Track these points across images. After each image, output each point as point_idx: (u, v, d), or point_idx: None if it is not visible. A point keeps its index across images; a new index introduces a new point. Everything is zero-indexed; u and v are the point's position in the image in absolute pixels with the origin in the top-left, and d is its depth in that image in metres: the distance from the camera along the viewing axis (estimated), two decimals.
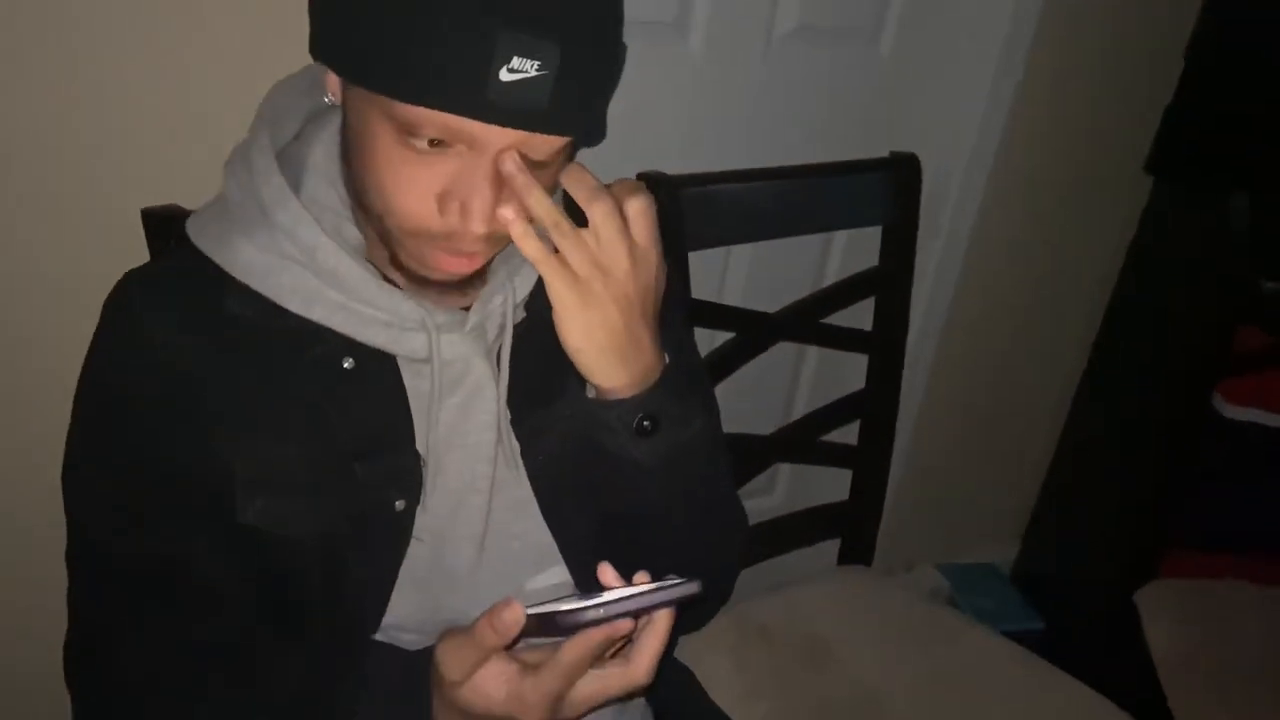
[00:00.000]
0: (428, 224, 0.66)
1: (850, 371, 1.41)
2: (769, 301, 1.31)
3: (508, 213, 0.66)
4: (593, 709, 0.67)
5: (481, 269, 0.73)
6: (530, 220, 0.67)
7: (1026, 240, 1.76)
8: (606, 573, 0.66)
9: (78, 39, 0.96)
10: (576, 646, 0.63)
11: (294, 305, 0.70)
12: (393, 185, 0.66)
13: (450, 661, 0.64)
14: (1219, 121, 1.55)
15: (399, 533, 0.76)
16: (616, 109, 1.28)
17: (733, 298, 1.52)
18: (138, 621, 0.72)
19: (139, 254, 0.85)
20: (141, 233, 0.87)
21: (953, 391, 1.85)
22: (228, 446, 0.71)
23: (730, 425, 1.37)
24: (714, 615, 0.99)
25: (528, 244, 0.67)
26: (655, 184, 1.13)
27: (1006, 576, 2.09)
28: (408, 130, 0.63)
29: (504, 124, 0.62)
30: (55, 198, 1.01)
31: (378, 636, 0.79)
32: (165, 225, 0.85)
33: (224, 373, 0.71)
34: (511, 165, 0.64)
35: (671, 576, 0.64)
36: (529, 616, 0.62)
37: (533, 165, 0.66)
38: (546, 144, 0.65)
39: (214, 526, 0.72)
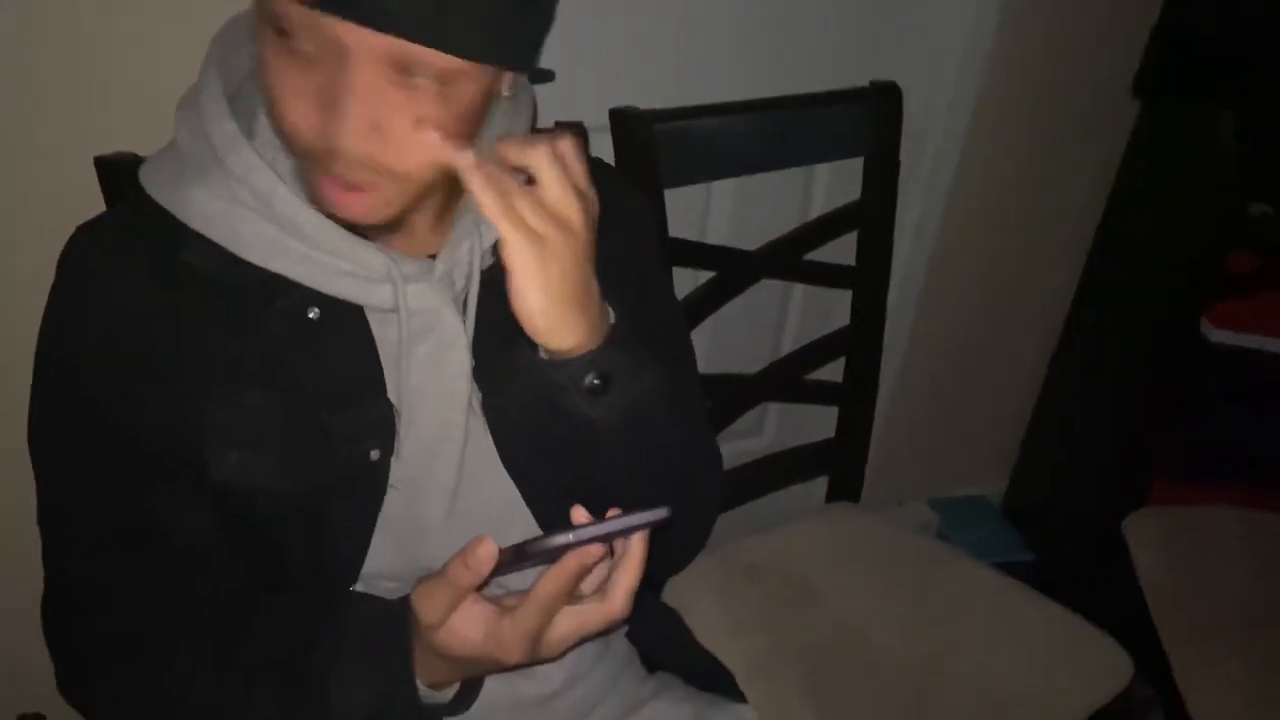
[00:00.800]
0: (307, 138, 0.63)
1: (838, 309, 1.39)
2: (753, 239, 1.29)
3: (467, 157, 0.63)
4: (572, 645, 0.67)
5: (403, 217, 0.69)
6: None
7: (1014, 168, 1.73)
8: (578, 512, 0.65)
9: None
10: (550, 580, 0.62)
11: (254, 257, 0.68)
12: (278, 95, 0.63)
13: (426, 605, 0.64)
14: (1205, 41, 1.52)
15: (374, 482, 0.75)
16: (591, 45, 1.27)
17: (717, 236, 1.50)
18: (113, 579, 0.72)
19: (94, 204, 0.83)
20: (96, 182, 0.84)
21: (941, 325, 1.84)
22: (195, 402, 0.70)
23: (717, 365, 1.37)
24: (690, 559, 0.98)
25: (487, 198, 0.63)
26: (629, 119, 1.11)
27: (997, 509, 2.10)
28: (278, 29, 0.60)
29: (349, 17, 0.58)
30: (3, 146, 0.98)
31: (359, 587, 0.78)
32: (120, 174, 0.82)
33: (186, 327, 0.69)
34: (450, 151, 0.62)
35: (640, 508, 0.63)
36: (501, 550, 0.61)
37: (436, 92, 0.62)
38: (428, 58, 0.61)
39: (186, 483, 0.71)
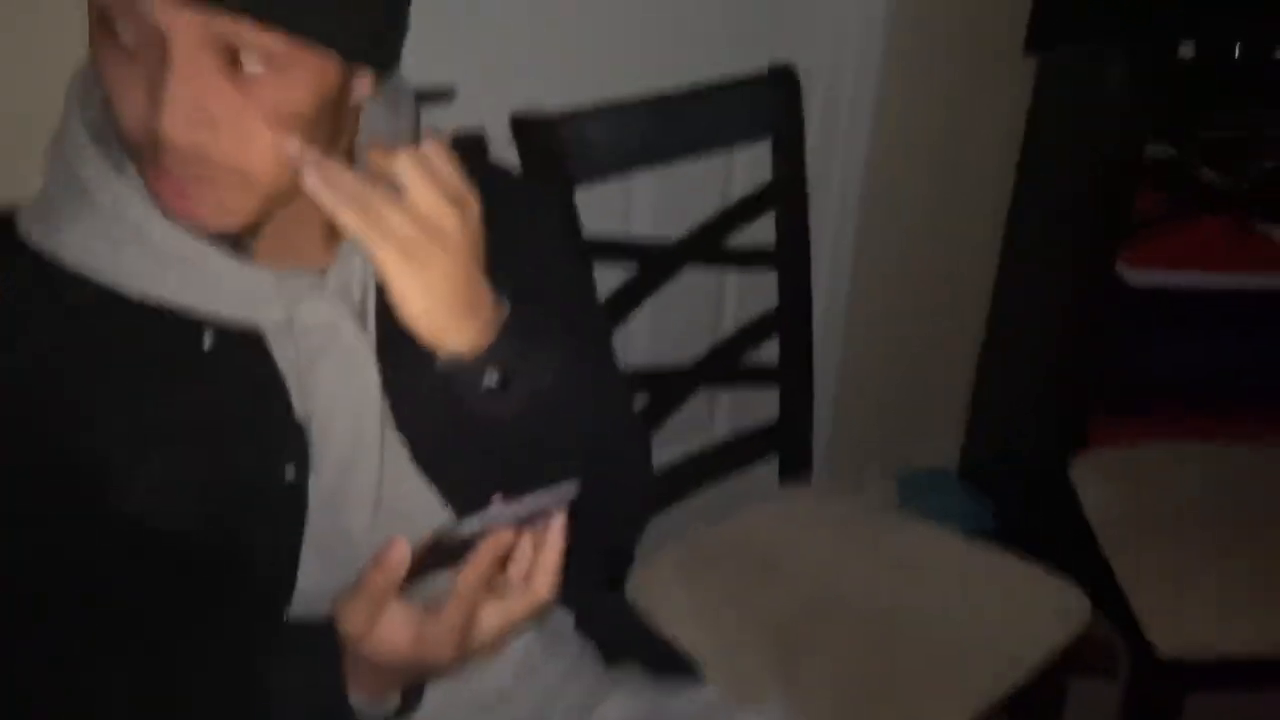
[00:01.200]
0: (138, 131, 0.62)
1: (773, 292, 1.40)
2: (680, 230, 1.30)
3: (293, 148, 0.61)
4: (504, 635, 0.67)
5: (260, 225, 0.68)
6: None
7: (926, 135, 1.77)
8: (498, 501, 0.64)
9: None
10: (468, 572, 0.62)
11: (135, 289, 0.67)
12: (109, 88, 0.62)
13: (348, 616, 0.63)
14: None
15: (295, 502, 0.74)
16: (490, 48, 1.28)
17: (642, 228, 1.51)
18: (34, 628, 0.70)
19: None
20: None
21: (876, 297, 1.87)
22: (96, 443, 0.68)
23: (659, 357, 1.38)
24: (630, 536, 0.99)
25: (347, 216, 0.61)
26: (529, 123, 1.12)
27: (956, 480, 2.12)
28: (101, 20, 0.60)
29: None
30: None
31: (298, 610, 0.78)
32: (2, 228, 0.81)
33: (79, 366, 0.68)
34: (300, 152, 0.61)
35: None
36: (414, 549, 0.61)
37: (267, 82, 0.61)
38: (247, 35, 0.59)
39: (97, 521, 0.69)
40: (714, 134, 1.29)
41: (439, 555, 0.61)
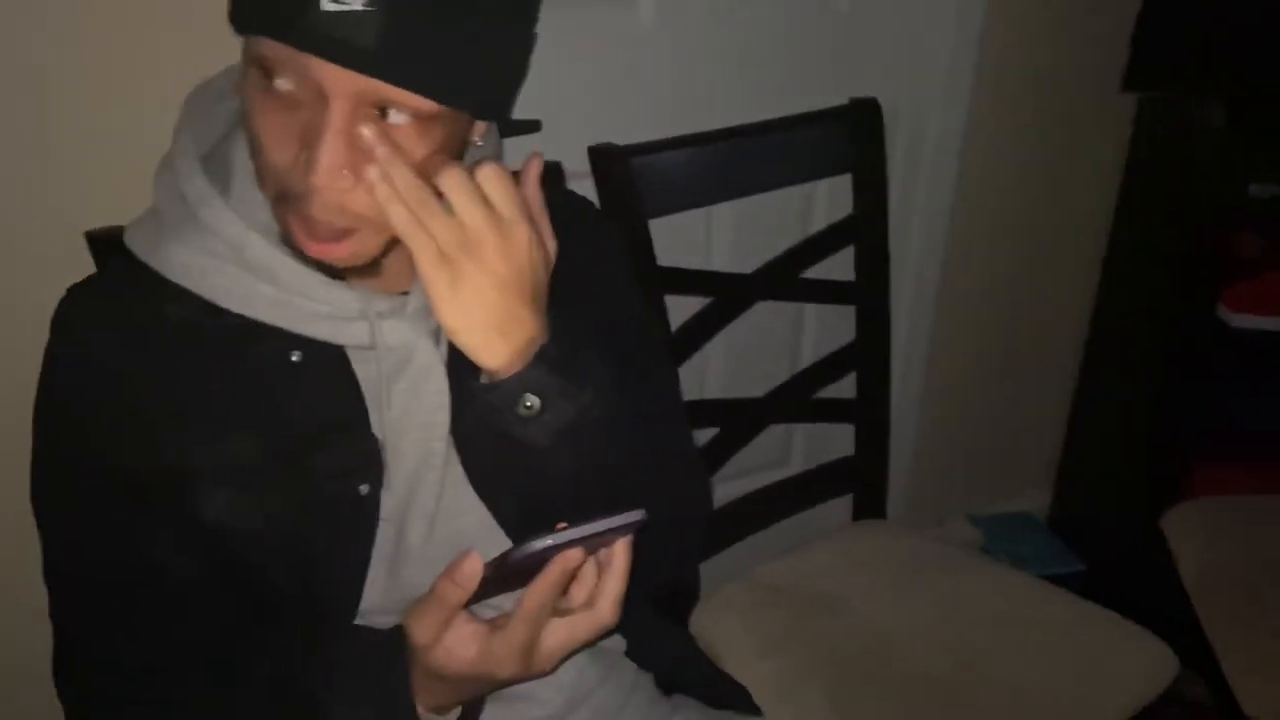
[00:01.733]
0: (283, 179, 0.65)
1: (850, 326, 1.39)
2: (758, 262, 1.30)
3: (373, 172, 0.64)
4: (565, 655, 0.68)
5: (379, 260, 0.71)
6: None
7: (1016, 176, 1.73)
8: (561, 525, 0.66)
9: (20, 61, 0.98)
10: (535, 590, 0.63)
11: (232, 304, 0.71)
12: (260, 135, 0.66)
13: (418, 626, 0.65)
14: (1188, 28, 1.51)
15: (366, 517, 0.77)
16: (572, 84, 1.30)
17: (722, 261, 1.51)
18: (115, 629, 0.74)
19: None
20: (88, 257, 0.88)
21: (961, 333, 1.83)
22: (182, 448, 0.72)
23: (733, 390, 1.38)
24: (683, 568, 0.99)
25: (393, 210, 0.65)
26: (607, 155, 1.14)
27: (1042, 522, 2.05)
28: (261, 69, 0.63)
29: (323, 54, 0.61)
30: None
31: (358, 622, 0.80)
32: (109, 247, 0.86)
33: (173, 377, 0.72)
34: (371, 134, 0.63)
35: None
36: (486, 564, 0.62)
37: (407, 132, 0.65)
38: (401, 98, 0.63)
39: (180, 528, 0.73)
40: (793, 168, 1.29)
41: (506, 574, 0.63)
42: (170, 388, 0.72)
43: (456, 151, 0.71)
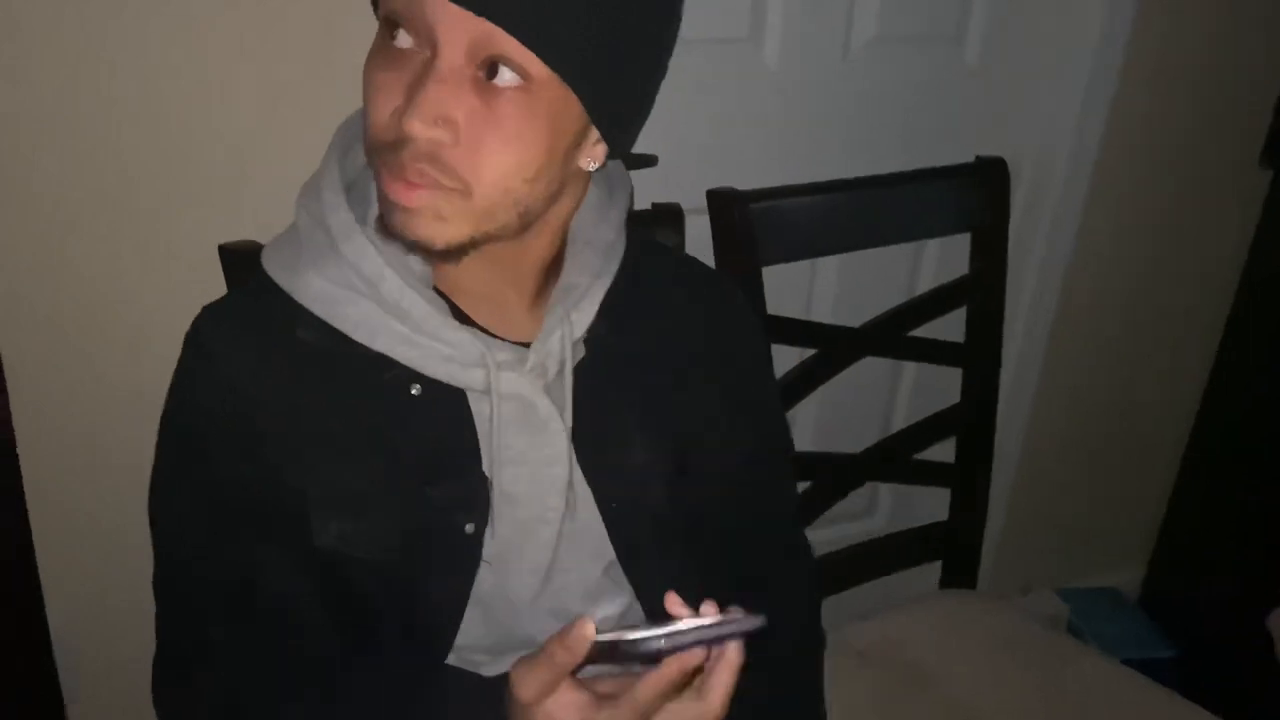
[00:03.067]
0: (384, 130, 0.65)
1: (950, 386, 1.36)
2: (859, 315, 1.28)
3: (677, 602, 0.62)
4: None
5: (463, 244, 0.69)
6: None
7: (1135, 244, 1.67)
8: (673, 602, 0.64)
9: (157, 81, 1.01)
10: (652, 682, 0.61)
11: (359, 336, 0.71)
12: (370, 92, 0.66)
13: (523, 682, 0.64)
14: None
15: (468, 555, 0.77)
16: (691, 124, 1.30)
17: (821, 311, 1.49)
18: (219, 642, 0.75)
19: (219, 290, 0.88)
20: (219, 270, 0.90)
21: (1066, 404, 1.77)
22: (302, 471, 0.73)
23: (825, 442, 1.35)
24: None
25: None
26: (726, 199, 1.12)
27: (1133, 601, 1.98)
28: (387, 25, 0.64)
29: None
30: (136, 237, 1.07)
31: (452, 659, 0.80)
32: (242, 261, 0.88)
33: (297, 399, 0.73)
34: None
35: (736, 609, 0.63)
36: (596, 641, 0.61)
37: (513, 99, 0.64)
38: (511, 50, 0.62)
39: (291, 549, 0.74)
40: (914, 223, 1.27)
41: (617, 654, 0.61)
42: (294, 412, 0.73)
43: (562, 153, 0.69)
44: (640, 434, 0.81)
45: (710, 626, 0.60)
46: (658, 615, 0.80)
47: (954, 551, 1.38)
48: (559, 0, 0.62)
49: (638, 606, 0.84)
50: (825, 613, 1.29)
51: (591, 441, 0.78)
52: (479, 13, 0.61)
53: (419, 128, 0.63)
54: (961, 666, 1.21)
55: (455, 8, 0.61)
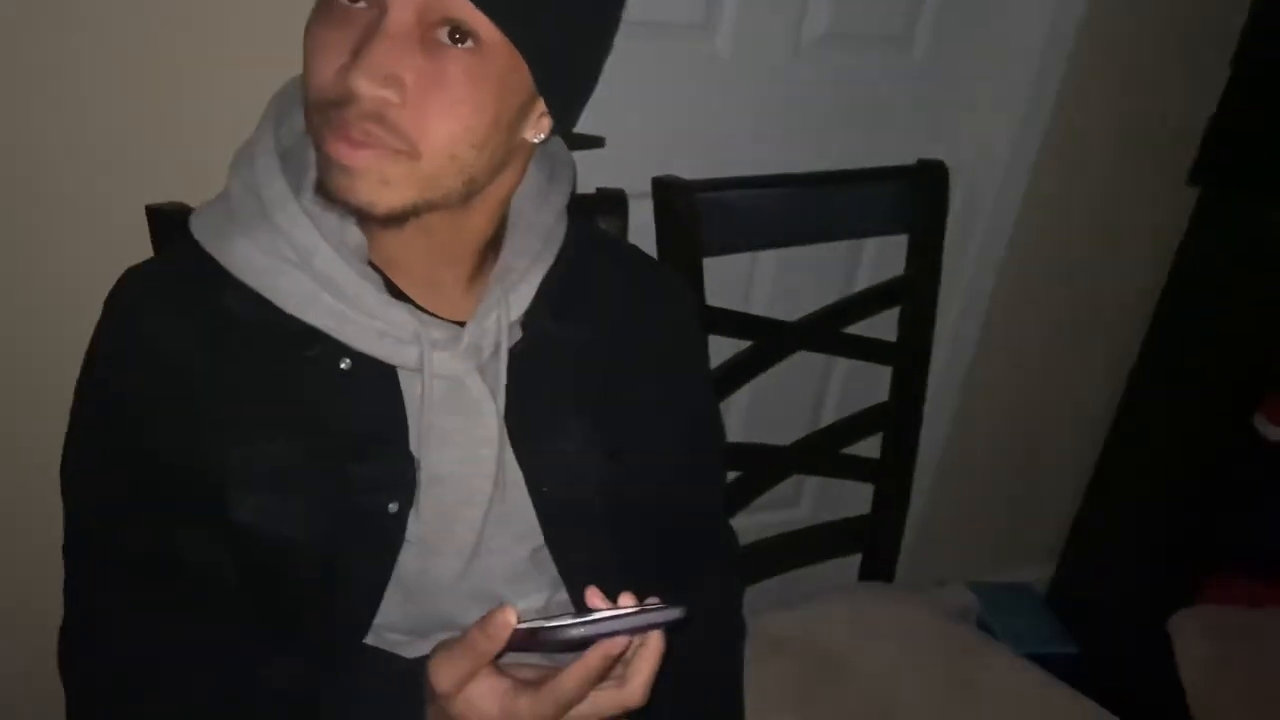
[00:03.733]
0: (328, 88, 0.64)
1: (880, 384, 1.38)
2: (796, 310, 1.29)
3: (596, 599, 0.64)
4: None
5: (405, 210, 0.67)
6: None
7: (1065, 252, 1.71)
8: (593, 595, 0.65)
9: (81, 35, 0.97)
10: (576, 671, 0.62)
11: (290, 308, 0.70)
12: (311, 51, 0.65)
13: (442, 671, 0.63)
14: (1265, 132, 1.49)
15: (391, 535, 0.76)
16: (639, 109, 1.29)
17: (759, 304, 1.50)
18: (130, 613, 0.72)
19: (143, 252, 0.85)
20: (146, 231, 0.87)
21: (988, 405, 1.81)
22: (222, 443, 0.71)
23: (754, 434, 1.36)
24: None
25: None
26: (671, 188, 1.12)
27: (1041, 598, 2.04)
28: None
29: None
30: (59, 196, 1.03)
31: (368, 638, 0.79)
32: (170, 223, 0.85)
33: (219, 369, 0.71)
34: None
35: (654, 600, 0.63)
36: (517, 629, 0.61)
37: (462, 59, 0.63)
38: (464, 13, 0.62)
39: (207, 522, 0.72)
40: (854, 222, 1.28)
41: (537, 642, 0.61)
42: (216, 381, 0.71)
43: (508, 123, 0.69)
44: (575, 419, 0.81)
45: (629, 616, 0.61)
46: (581, 605, 0.81)
47: (874, 545, 1.41)
48: None
49: (561, 596, 0.84)
50: (745, 601, 1.32)
51: (525, 425, 0.78)
52: None
53: (365, 85, 0.61)
54: (875, 658, 1.24)
55: None
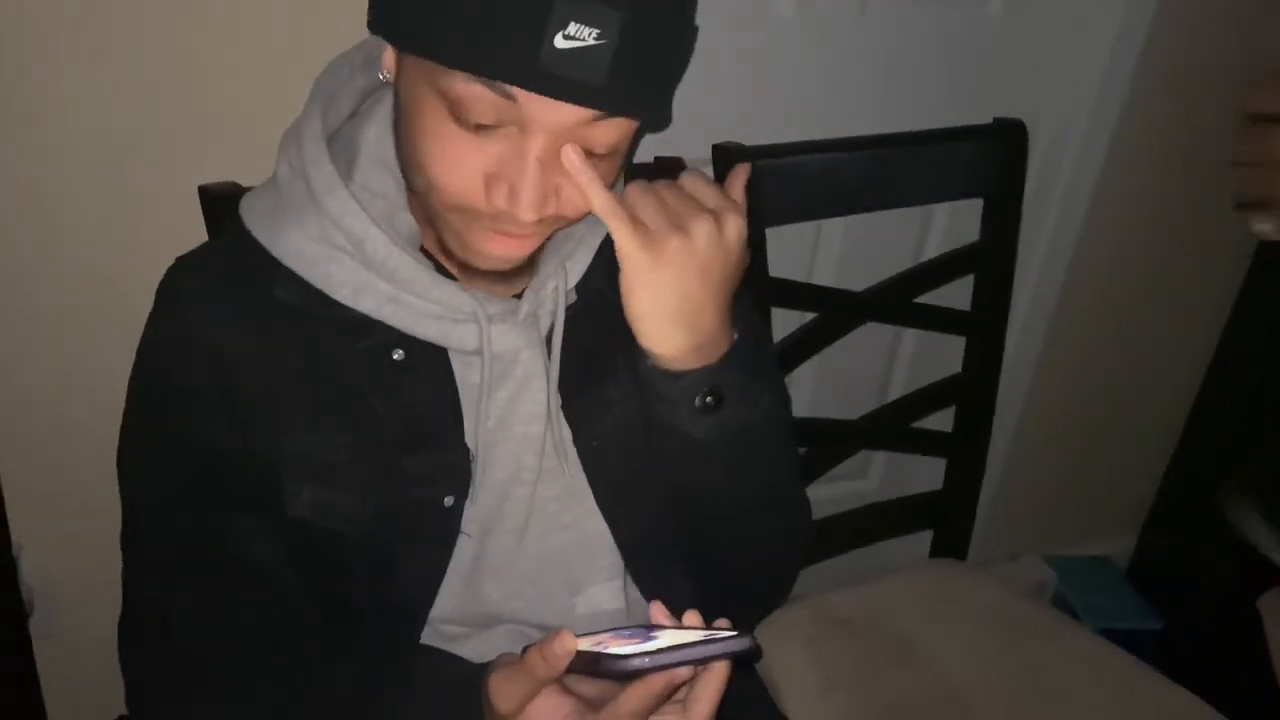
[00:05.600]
0: (474, 203, 0.63)
1: (951, 355, 1.33)
2: (863, 280, 1.24)
3: (573, 157, 0.62)
4: None
5: (531, 256, 0.70)
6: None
7: (1148, 216, 1.63)
8: (658, 613, 0.64)
9: (133, 13, 0.96)
10: (637, 696, 0.59)
11: (343, 296, 0.68)
12: (440, 163, 0.63)
13: (502, 691, 0.62)
14: None
15: (447, 528, 0.74)
16: (702, 75, 1.24)
17: (824, 276, 1.45)
18: (186, 606, 0.72)
19: (197, 231, 0.85)
20: (199, 209, 0.86)
21: (1065, 374, 1.75)
22: (274, 436, 0.70)
23: (820, 409, 1.32)
24: (772, 608, 0.95)
25: (596, 193, 0.63)
26: (731, 155, 1.08)
27: (1121, 571, 1.97)
28: (456, 110, 0.60)
29: (555, 95, 0.58)
30: (113, 175, 1.03)
31: (425, 631, 0.77)
32: (223, 203, 0.84)
33: (271, 362, 0.70)
34: (574, 157, 0.62)
35: (724, 624, 0.61)
36: (578, 652, 0.59)
37: (592, 159, 0.63)
38: (605, 131, 0.62)
39: (261, 515, 0.71)
40: (926, 187, 1.22)
41: (597, 668, 0.59)
42: (268, 373, 0.70)
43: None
44: (623, 373, 0.77)
45: (695, 646, 0.58)
46: (643, 574, 0.79)
47: (946, 522, 1.37)
48: (652, 69, 0.62)
49: (632, 592, 0.82)
50: (812, 580, 1.29)
51: (572, 387, 0.76)
52: (590, 106, 0.60)
53: (534, 214, 0.62)
54: (944, 640, 1.20)
55: (558, 103, 0.59)
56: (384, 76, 0.68)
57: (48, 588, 1.20)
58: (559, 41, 0.56)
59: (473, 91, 0.59)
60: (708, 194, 0.68)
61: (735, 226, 0.67)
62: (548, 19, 0.56)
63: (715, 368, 0.69)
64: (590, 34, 0.57)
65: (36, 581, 1.19)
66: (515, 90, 0.58)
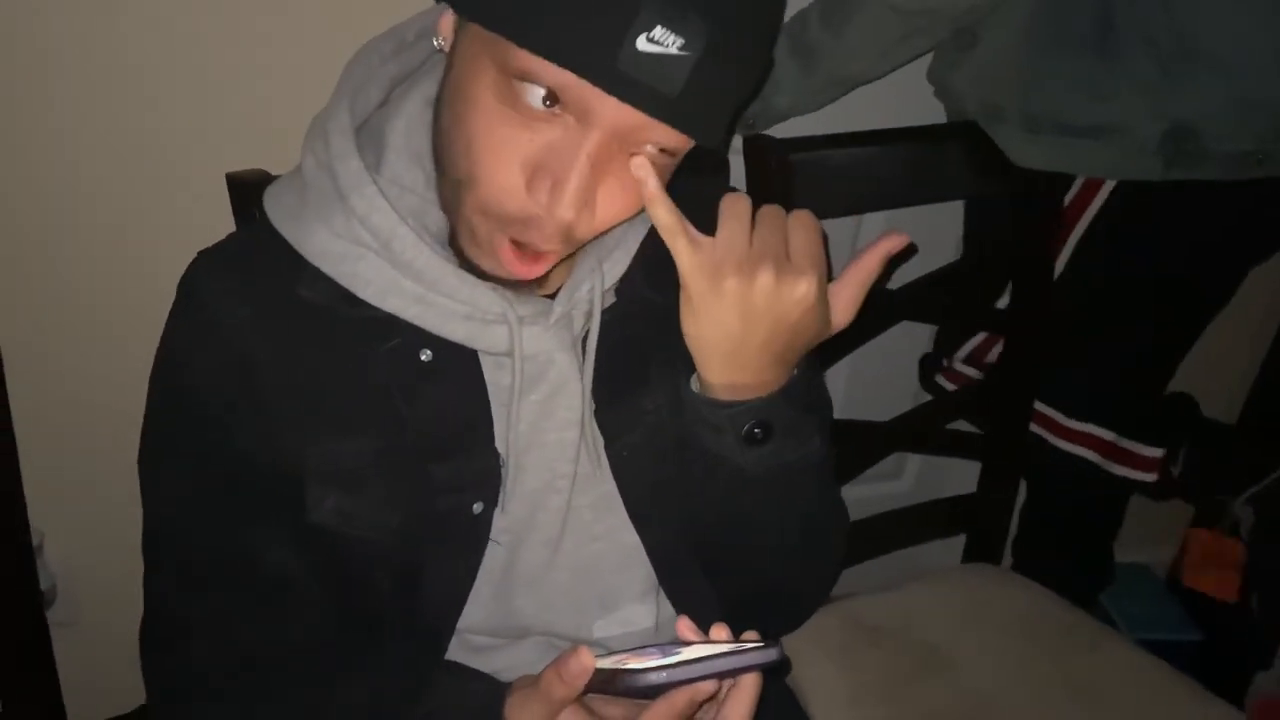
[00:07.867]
0: (507, 202, 0.60)
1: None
2: (901, 275, 1.20)
3: (645, 170, 0.60)
4: None
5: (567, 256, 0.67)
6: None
7: None
8: (684, 627, 0.62)
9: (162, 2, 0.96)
10: (658, 713, 0.58)
11: (369, 295, 0.66)
12: (485, 145, 0.60)
13: (519, 714, 0.61)
14: None
15: (476, 536, 0.72)
16: None
17: None
18: (209, 611, 0.71)
19: (224, 219, 0.84)
20: (227, 198, 0.85)
21: None
22: (298, 440, 0.68)
23: (851, 410, 1.30)
24: (804, 619, 0.92)
25: (661, 207, 0.61)
26: (762, 148, 1.06)
27: (1162, 581, 1.92)
28: (520, 76, 0.57)
29: (623, 98, 0.56)
30: (140, 162, 1.02)
31: (452, 641, 0.76)
32: (251, 191, 0.82)
33: (295, 363, 0.68)
34: (645, 170, 0.60)
35: (751, 637, 0.60)
36: (597, 670, 0.58)
37: (659, 154, 0.61)
38: (664, 139, 0.59)
39: (285, 521, 0.69)
40: (963, 179, 1.19)
41: (617, 685, 0.58)
42: (291, 376, 0.68)
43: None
44: (657, 379, 0.75)
45: (719, 658, 0.57)
46: (673, 583, 0.76)
47: (980, 526, 1.34)
48: (726, 87, 0.60)
49: (665, 610, 0.80)
50: (842, 583, 1.26)
51: (606, 393, 0.73)
52: (662, 119, 0.58)
53: (570, 214, 0.59)
54: (977, 648, 1.17)
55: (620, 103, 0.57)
56: (439, 44, 0.65)
57: (70, 576, 1.20)
58: (641, 44, 0.54)
59: (539, 64, 0.56)
60: (801, 243, 0.64)
61: (803, 292, 0.63)
62: (634, 19, 0.54)
63: (766, 400, 0.66)
64: (675, 42, 0.55)
65: (59, 570, 1.19)
66: (582, 83, 0.56)
